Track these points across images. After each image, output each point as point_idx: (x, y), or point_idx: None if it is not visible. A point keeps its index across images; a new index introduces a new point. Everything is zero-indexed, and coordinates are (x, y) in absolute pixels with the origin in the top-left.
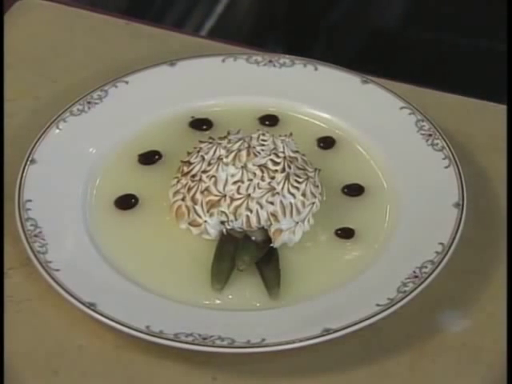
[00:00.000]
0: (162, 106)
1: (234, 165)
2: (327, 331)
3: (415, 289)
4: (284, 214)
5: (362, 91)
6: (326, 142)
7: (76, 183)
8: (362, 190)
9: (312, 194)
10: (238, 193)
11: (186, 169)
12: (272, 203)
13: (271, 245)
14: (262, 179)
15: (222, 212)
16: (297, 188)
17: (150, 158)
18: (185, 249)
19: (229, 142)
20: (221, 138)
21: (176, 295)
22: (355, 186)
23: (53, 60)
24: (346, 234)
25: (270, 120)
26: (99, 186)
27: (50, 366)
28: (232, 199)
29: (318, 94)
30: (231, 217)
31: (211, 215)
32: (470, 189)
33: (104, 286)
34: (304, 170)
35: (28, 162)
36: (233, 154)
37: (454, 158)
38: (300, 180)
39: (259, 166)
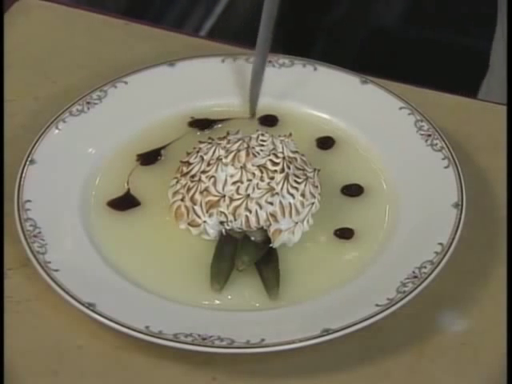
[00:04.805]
0: (162, 107)
1: (233, 165)
2: (327, 331)
3: (415, 289)
4: (283, 214)
5: (362, 91)
6: (326, 143)
7: (75, 183)
8: (361, 190)
9: (311, 194)
10: (238, 193)
11: (185, 169)
12: (271, 203)
13: (270, 245)
14: (262, 179)
15: (222, 212)
16: (296, 188)
17: (149, 158)
18: (184, 249)
19: (228, 142)
20: (220, 139)
21: (175, 295)
22: (354, 186)
23: (52, 60)
24: (345, 234)
25: (269, 120)
26: (98, 186)
27: (50, 366)
28: (231, 199)
29: (317, 95)
30: (230, 217)
31: (210, 215)
32: (469, 189)
33: (103, 287)
34: (303, 170)
35: (27, 163)
36: (232, 155)
37: (454, 159)
38: (299, 180)
39: (258, 166)
